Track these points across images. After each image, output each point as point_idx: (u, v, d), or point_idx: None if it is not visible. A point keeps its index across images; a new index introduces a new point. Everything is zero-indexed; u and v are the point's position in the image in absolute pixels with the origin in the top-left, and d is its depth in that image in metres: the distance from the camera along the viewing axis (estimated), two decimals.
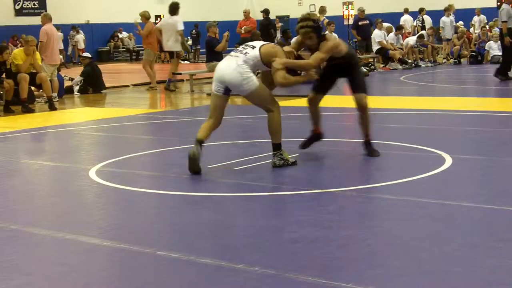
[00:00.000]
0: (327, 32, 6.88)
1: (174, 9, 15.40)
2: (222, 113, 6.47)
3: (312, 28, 6.51)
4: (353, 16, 21.99)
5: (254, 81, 6.25)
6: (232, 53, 6.49)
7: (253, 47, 6.38)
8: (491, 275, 3.59)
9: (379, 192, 5.46)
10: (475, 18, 25.02)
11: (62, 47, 28.69)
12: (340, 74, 6.95)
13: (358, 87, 6.85)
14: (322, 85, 7.03)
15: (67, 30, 29.61)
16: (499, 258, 3.83)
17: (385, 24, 20.69)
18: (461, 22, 23.92)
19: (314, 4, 37.73)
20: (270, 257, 4.01)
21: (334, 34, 6.73)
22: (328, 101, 12.86)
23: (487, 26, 22.53)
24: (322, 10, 19.65)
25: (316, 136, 7.28)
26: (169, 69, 15.84)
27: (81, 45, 31.14)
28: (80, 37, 31.31)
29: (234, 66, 6.24)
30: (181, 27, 15.26)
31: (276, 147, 6.44)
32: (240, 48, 6.50)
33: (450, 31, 21.95)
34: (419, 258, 3.90)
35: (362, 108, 6.85)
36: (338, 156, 7.22)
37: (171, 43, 15.36)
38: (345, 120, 10.06)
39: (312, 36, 6.53)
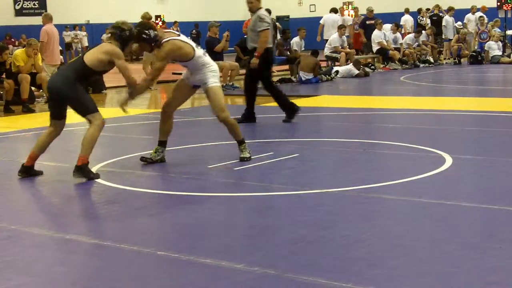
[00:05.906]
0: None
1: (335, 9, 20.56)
2: None
3: (113, 36, 6.49)
4: (356, 16, 22.02)
5: None
6: None
7: None
8: (491, 275, 3.59)
9: (379, 192, 5.45)
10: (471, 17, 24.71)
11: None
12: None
13: None
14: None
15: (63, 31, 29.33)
16: (498, 258, 3.83)
17: (387, 26, 20.69)
18: (459, 23, 23.84)
19: (314, 4, 37.77)
20: (270, 257, 4.01)
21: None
22: (328, 101, 12.92)
23: (489, 25, 22.49)
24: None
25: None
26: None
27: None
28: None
29: None
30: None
31: None
32: None
33: (452, 31, 21.97)
34: (419, 258, 3.90)
35: None
36: (338, 156, 7.23)
37: (329, 33, 19.41)
38: (345, 120, 10.05)
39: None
